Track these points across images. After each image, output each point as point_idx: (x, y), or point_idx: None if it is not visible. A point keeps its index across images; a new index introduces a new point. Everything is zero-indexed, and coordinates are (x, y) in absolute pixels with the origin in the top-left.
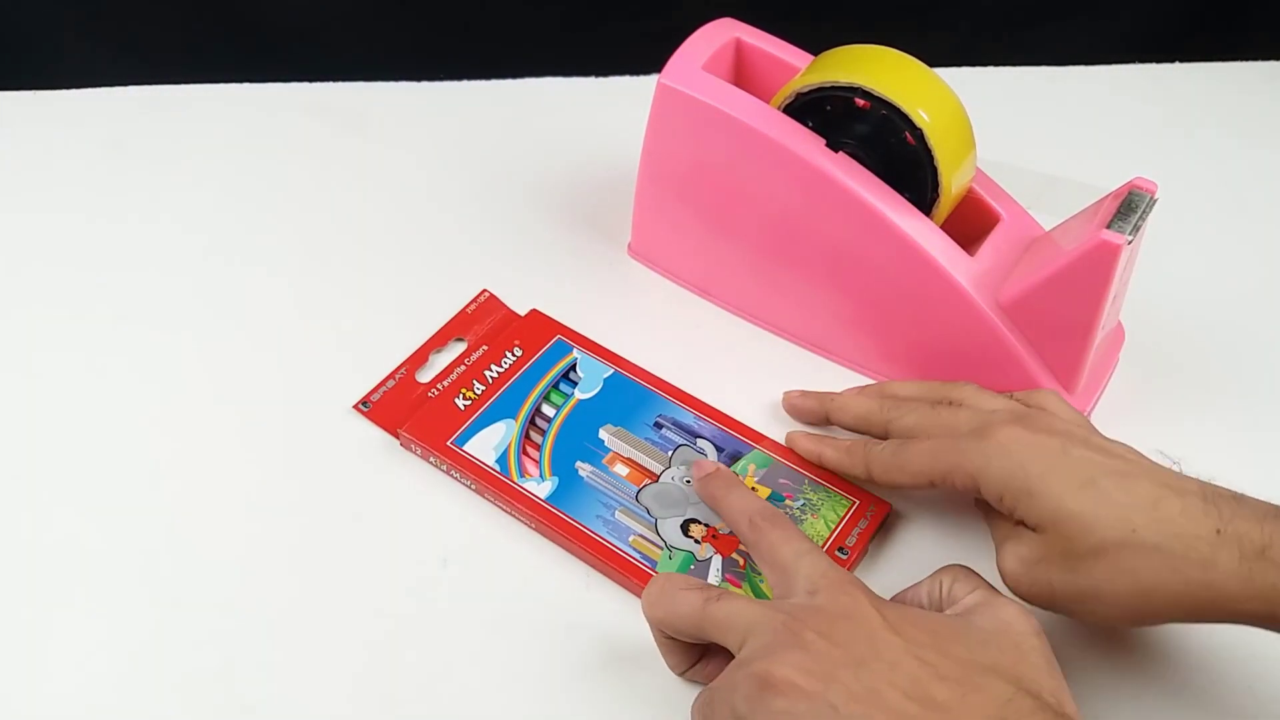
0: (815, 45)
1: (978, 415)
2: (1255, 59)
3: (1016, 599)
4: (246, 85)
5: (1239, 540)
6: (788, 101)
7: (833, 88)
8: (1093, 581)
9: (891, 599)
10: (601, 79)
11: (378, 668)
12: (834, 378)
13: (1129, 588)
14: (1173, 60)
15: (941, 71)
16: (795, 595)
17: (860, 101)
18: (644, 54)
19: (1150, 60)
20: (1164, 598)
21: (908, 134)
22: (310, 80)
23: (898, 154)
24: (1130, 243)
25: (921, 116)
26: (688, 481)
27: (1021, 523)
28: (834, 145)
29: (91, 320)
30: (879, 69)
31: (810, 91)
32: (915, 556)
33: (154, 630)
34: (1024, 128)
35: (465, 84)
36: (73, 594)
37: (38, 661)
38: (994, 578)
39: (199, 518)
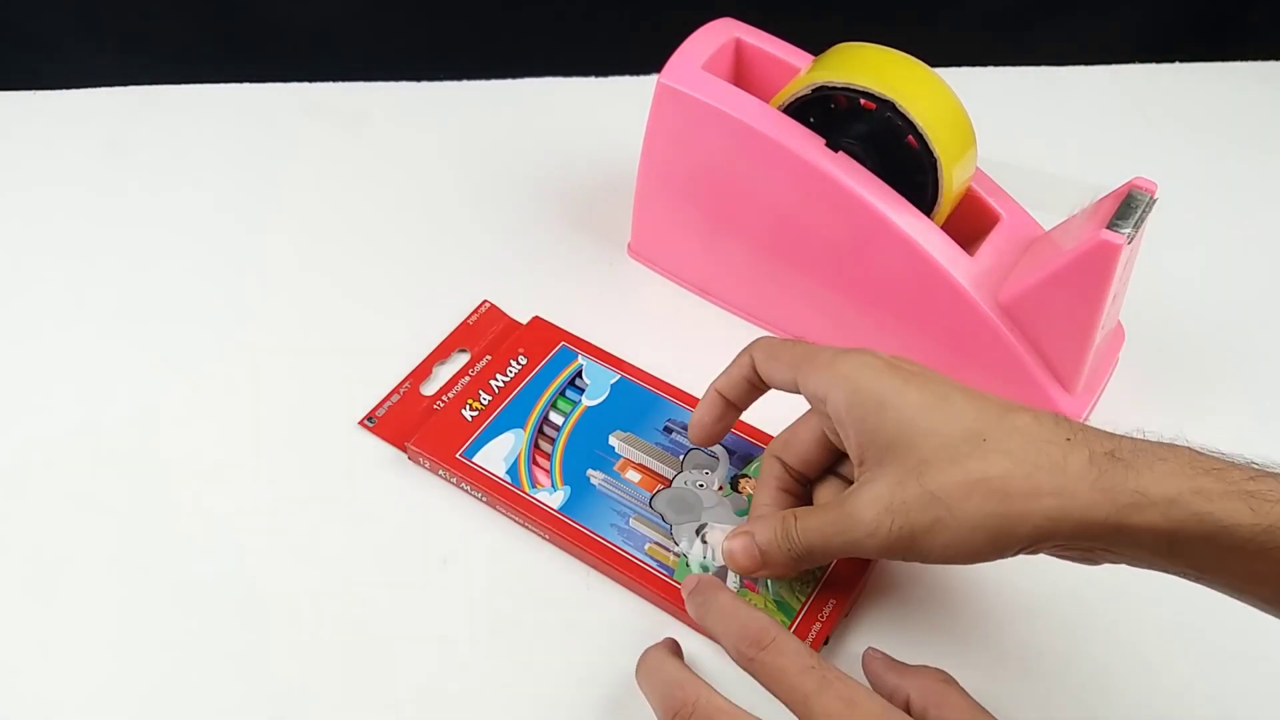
0: (816, 45)
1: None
2: (1255, 59)
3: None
4: (246, 85)
5: (1088, 444)
6: (789, 101)
7: (835, 88)
8: (947, 500)
9: (867, 658)
10: (601, 79)
11: (379, 668)
12: None
13: (980, 502)
14: (1173, 60)
15: (941, 71)
16: None
17: (864, 102)
18: (644, 54)
19: (1150, 60)
20: (1018, 510)
21: (910, 136)
22: (310, 80)
23: (899, 154)
24: (1130, 243)
25: (923, 119)
26: (700, 486)
27: (862, 463)
28: (834, 145)
29: (89, 323)
30: (881, 69)
31: (812, 91)
32: None
33: (163, 633)
34: (1024, 128)
35: (465, 84)
36: (77, 599)
37: (47, 668)
38: (991, 599)
39: (200, 539)
